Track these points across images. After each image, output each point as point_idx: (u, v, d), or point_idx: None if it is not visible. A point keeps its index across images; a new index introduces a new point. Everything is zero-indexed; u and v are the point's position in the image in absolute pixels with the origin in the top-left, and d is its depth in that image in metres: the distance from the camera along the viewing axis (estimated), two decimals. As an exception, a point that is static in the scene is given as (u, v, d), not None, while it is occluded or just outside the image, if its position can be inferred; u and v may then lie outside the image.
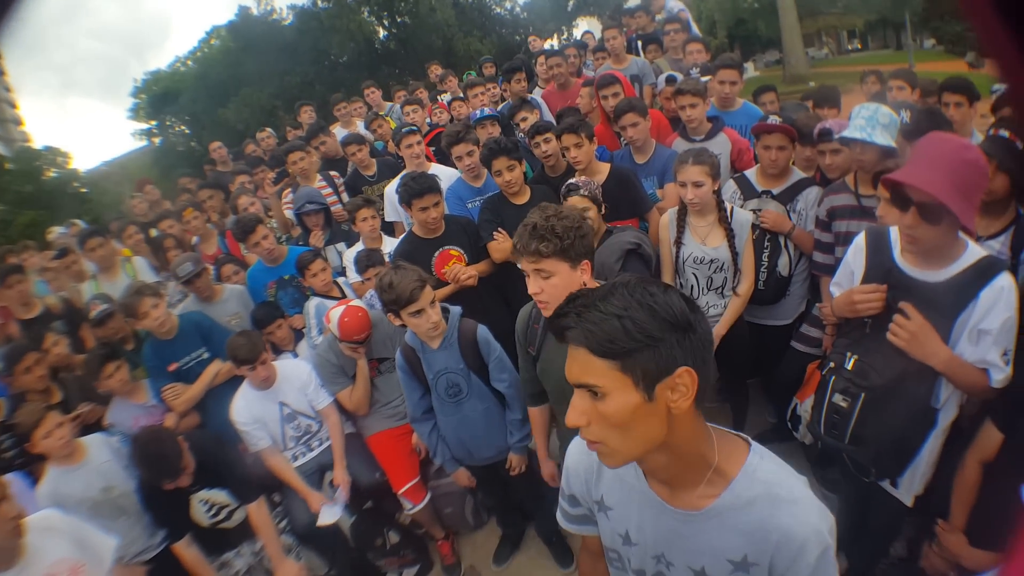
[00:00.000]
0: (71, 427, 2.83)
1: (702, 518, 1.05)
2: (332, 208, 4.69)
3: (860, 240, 2.11)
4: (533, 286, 1.82)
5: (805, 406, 2.82)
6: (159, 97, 27.93)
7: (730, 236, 2.86)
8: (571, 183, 2.84)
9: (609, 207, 2.99)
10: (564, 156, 3.56)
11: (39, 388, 3.26)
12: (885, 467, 2.06)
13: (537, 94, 5.78)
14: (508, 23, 27.51)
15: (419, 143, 4.46)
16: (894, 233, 1.99)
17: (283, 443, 3.24)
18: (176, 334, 3.44)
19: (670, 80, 4.48)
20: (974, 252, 1.82)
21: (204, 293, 3.80)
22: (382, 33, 27.05)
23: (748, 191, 3.16)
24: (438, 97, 7.09)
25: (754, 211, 3.00)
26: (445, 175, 4.13)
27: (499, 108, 5.72)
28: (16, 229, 20.13)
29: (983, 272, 1.78)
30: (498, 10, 27.99)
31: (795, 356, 3.06)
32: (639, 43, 6.19)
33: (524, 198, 3.51)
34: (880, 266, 1.99)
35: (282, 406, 3.22)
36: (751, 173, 3.22)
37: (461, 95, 6.36)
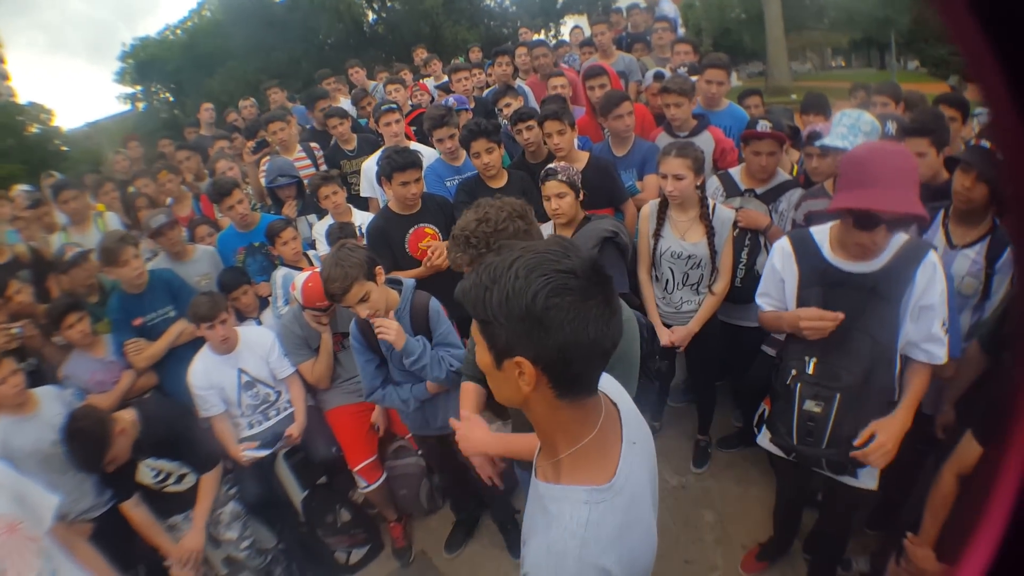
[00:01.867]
0: (24, 377, 2.79)
1: (535, 484, 1.10)
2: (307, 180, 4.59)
3: (785, 246, 2.13)
4: None
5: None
6: (146, 63, 27.41)
7: (710, 233, 2.84)
8: (549, 168, 2.79)
9: (586, 196, 2.94)
10: (545, 144, 3.54)
11: (3, 334, 3.17)
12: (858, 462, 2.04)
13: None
14: (497, 15, 27.45)
15: (398, 121, 4.45)
16: (817, 233, 2.07)
17: (239, 410, 3.21)
18: (145, 289, 3.40)
19: (658, 76, 4.46)
20: (896, 238, 1.92)
21: (174, 248, 3.76)
22: (371, 16, 26.85)
23: (731, 189, 3.14)
24: (422, 80, 7.00)
25: (735, 209, 2.97)
26: (425, 154, 4.08)
27: (484, 94, 5.70)
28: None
29: (913, 253, 1.90)
30: (487, 2, 27.93)
31: (765, 360, 3.03)
32: (627, 42, 6.21)
33: (501, 182, 3.47)
34: (814, 267, 2.03)
35: (241, 372, 3.19)
36: (735, 171, 3.21)
37: (446, 79, 6.34)
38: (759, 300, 2.24)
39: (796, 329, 1.99)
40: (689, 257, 2.89)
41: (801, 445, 2.05)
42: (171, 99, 27.60)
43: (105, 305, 3.50)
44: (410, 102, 5.82)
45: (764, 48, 22.11)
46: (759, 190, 3.06)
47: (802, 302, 2.04)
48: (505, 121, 4.36)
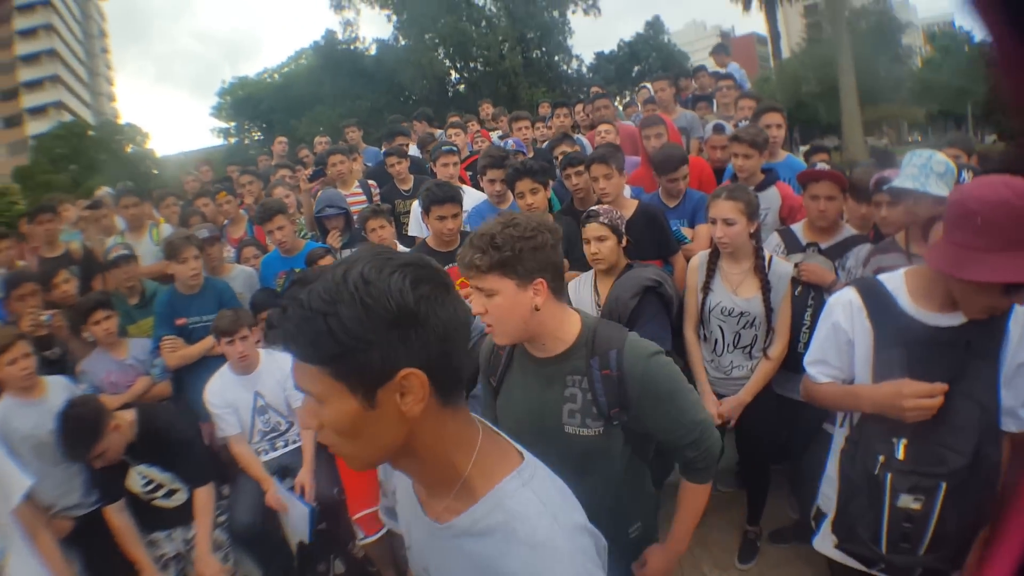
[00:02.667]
0: (37, 363, 2.84)
1: (443, 534, 0.90)
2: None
3: (851, 299, 1.70)
4: (476, 306, 1.52)
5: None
6: (242, 100, 30.11)
7: (765, 288, 2.54)
8: (591, 210, 2.63)
9: (633, 245, 2.76)
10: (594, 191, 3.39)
11: (30, 319, 3.27)
12: (960, 561, 1.60)
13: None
14: (573, 81, 28.40)
15: (455, 164, 4.46)
16: (889, 281, 1.69)
17: (250, 435, 3.12)
18: (196, 293, 3.48)
19: (717, 128, 4.28)
20: None
21: (212, 263, 3.83)
22: (454, 75, 28.31)
23: (793, 245, 2.85)
24: (486, 129, 7.12)
25: (796, 264, 2.67)
26: (473, 197, 4.08)
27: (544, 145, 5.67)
28: (82, 191, 21.78)
29: None
30: (566, 68, 28.96)
31: (827, 441, 2.64)
32: (692, 101, 6.18)
33: None
34: (893, 324, 1.63)
35: (257, 396, 3.11)
36: (798, 226, 2.92)
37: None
38: (812, 370, 1.81)
39: (892, 410, 1.56)
40: (741, 314, 2.59)
41: (893, 553, 1.60)
42: (260, 137, 29.78)
43: (144, 308, 3.61)
44: (469, 147, 5.87)
45: (839, 121, 21.60)
46: (823, 245, 2.76)
47: (881, 369, 1.63)
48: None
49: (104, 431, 2.51)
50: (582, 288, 2.77)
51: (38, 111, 48.13)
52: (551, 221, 1.65)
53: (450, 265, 3.25)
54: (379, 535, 2.95)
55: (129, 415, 2.70)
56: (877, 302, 1.68)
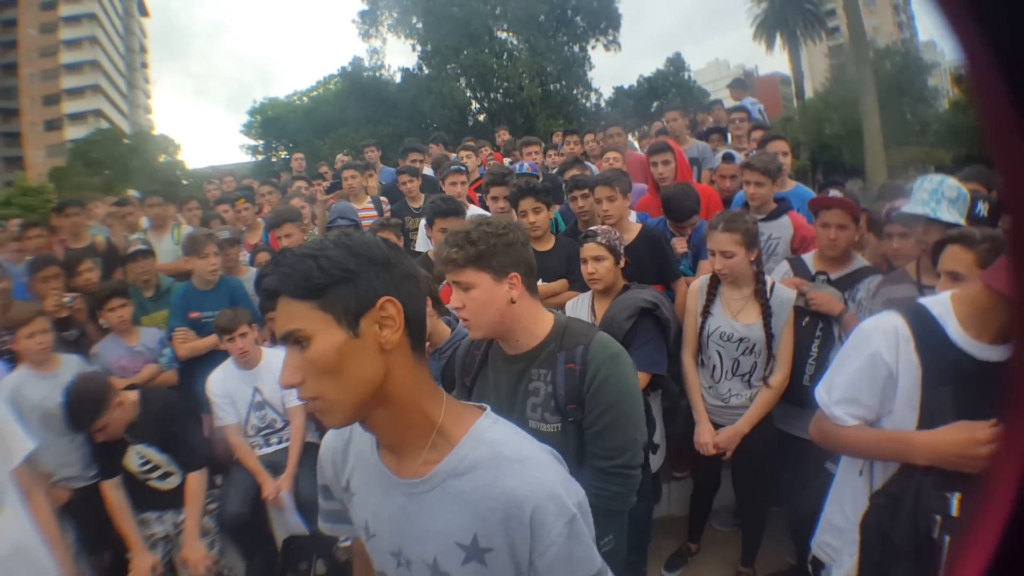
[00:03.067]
0: (54, 339, 3.00)
1: (424, 487, 0.94)
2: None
3: (896, 326, 1.47)
4: (455, 300, 1.59)
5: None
6: (271, 120, 31.20)
7: (766, 313, 2.47)
8: (590, 230, 2.63)
9: (634, 269, 2.75)
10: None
11: (53, 299, 3.47)
12: None
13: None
14: (591, 114, 28.72)
15: (464, 183, 4.52)
16: (935, 306, 1.48)
17: (244, 428, 3.18)
18: (211, 289, 3.66)
19: (727, 157, 4.25)
20: None
21: (229, 263, 3.99)
22: (475, 105, 28.86)
23: (802, 274, 2.78)
24: (499, 152, 7.22)
25: (802, 293, 2.59)
26: (478, 215, 4.03)
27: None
28: (113, 194, 22.63)
29: None
30: (584, 101, 29.36)
31: (827, 482, 2.52)
32: (705, 133, 6.21)
33: (547, 245, 3.30)
34: (942, 357, 1.42)
35: (255, 391, 3.19)
36: (808, 256, 2.86)
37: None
38: (839, 410, 1.54)
39: (960, 460, 1.33)
40: (741, 340, 2.52)
41: None
42: (286, 156, 30.68)
43: (157, 301, 3.81)
44: (481, 171, 5.92)
45: (863, 164, 21.38)
46: (833, 275, 2.69)
47: (932, 410, 1.42)
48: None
49: (108, 406, 2.64)
50: (579, 308, 2.74)
51: (78, 117, 50.36)
52: (522, 223, 1.67)
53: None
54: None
55: (133, 395, 2.82)
56: (925, 331, 1.45)
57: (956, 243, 1.81)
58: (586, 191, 3.48)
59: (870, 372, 1.49)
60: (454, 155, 7.66)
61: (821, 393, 1.60)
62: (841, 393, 1.54)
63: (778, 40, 35.18)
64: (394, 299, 0.88)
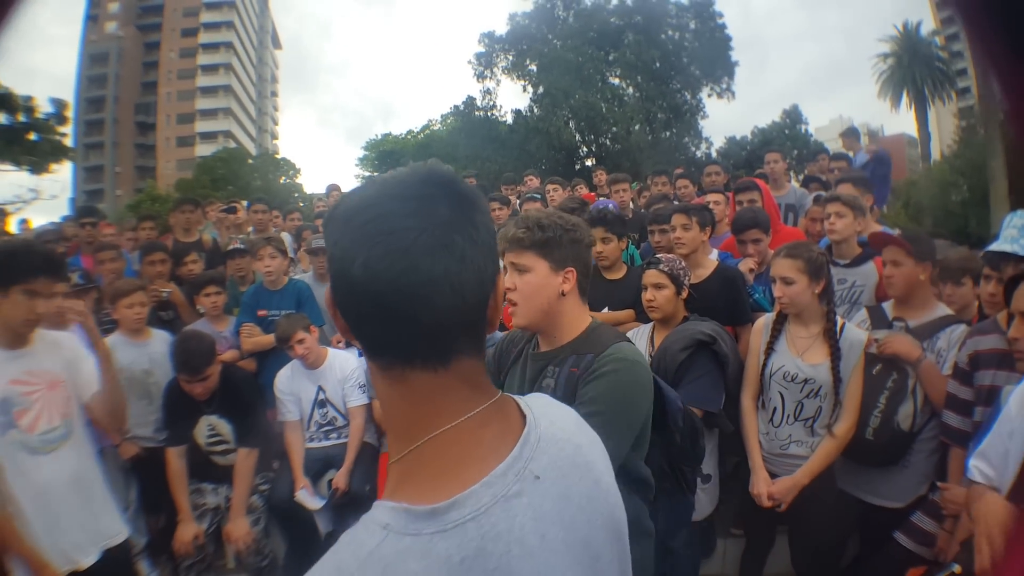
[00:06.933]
0: (149, 313, 3.31)
1: None
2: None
3: None
4: (508, 281, 1.59)
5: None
6: (386, 154, 33.18)
7: (835, 354, 2.29)
8: (654, 257, 2.60)
9: (705, 307, 2.68)
10: None
11: (155, 288, 3.83)
12: None
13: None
14: (701, 163, 28.05)
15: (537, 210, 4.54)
16: None
17: (308, 423, 3.36)
18: (279, 289, 3.84)
19: (817, 199, 4.03)
20: None
21: (321, 270, 4.23)
22: (583, 149, 29.11)
23: (879, 321, 2.58)
24: (590, 192, 7.23)
25: (875, 339, 2.40)
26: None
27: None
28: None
29: None
30: (694, 150, 28.82)
31: (896, 553, 2.26)
32: (807, 181, 5.89)
33: (618, 274, 3.29)
34: None
35: (319, 390, 3.35)
36: (888, 304, 2.65)
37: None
38: (972, 464, 1.49)
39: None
40: (806, 381, 2.34)
41: None
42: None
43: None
44: (568, 205, 6.00)
45: (989, 235, 19.28)
46: (911, 323, 2.47)
47: None
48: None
49: (216, 357, 2.93)
50: (640, 338, 2.69)
51: (209, 136, 56.85)
52: (590, 230, 1.72)
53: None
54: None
55: (217, 367, 3.03)
56: None
57: None
58: (664, 226, 3.40)
59: (1000, 431, 1.42)
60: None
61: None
62: (977, 449, 1.49)
63: (904, 98, 33.00)
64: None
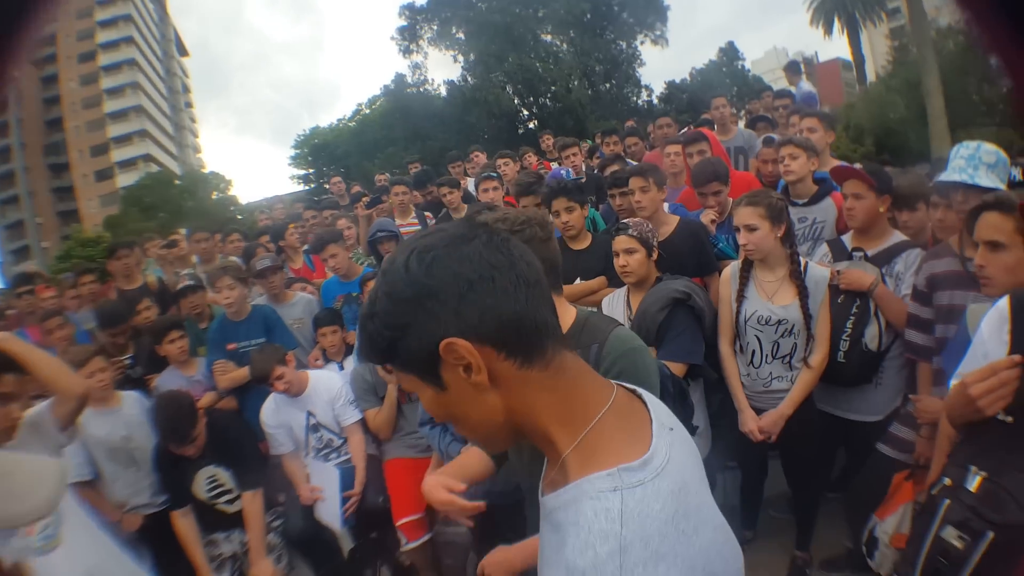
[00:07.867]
0: (112, 375, 3.12)
1: (542, 509, 0.83)
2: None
3: (1002, 307, 1.52)
4: None
5: (886, 526, 2.24)
6: (319, 147, 31.88)
7: (802, 294, 2.44)
8: (621, 223, 2.64)
9: (672, 263, 2.75)
10: None
11: (118, 364, 3.58)
12: None
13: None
14: (644, 112, 28.23)
15: (496, 189, 4.51)
16: None
17: (306, 450, 3.28)
18: (244, 319, 3.67)
19: (767, 142, 4.16)
20: None
21: (274, 290, 4.02)
22: (524, 112, 28.71)
23: (839, 253, 2.73)
24: (548, 161, 7.21)
25: (837, 272, 2.55)
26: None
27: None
28: (169, 236, 24.06)
29: None
30: (636, 99, 28.85)
31: (880, 462, 2.46)
32: (751, 121, 6.03)
33: (583, 244, 3.31)
34: None
35: (309, 415, 3.25)
36: (847, 235, 2.80)
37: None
38: (952, 385, 1.62)
39: (969, 404, 1.39)
40: (779, 323, 2.49)
41: None
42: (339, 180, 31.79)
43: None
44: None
45: (930, 148, 20.22)
46: (870, 251, 2.62)
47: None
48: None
49: (199, 418, 2.83)
50: (615, 303, 2.77)
51: (128, 164, 51.41)
52: (544, 217, 1.69)
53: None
54: (421, 541, 3.03)
55: (202, 421, 2.94)
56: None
57: (993, 209, 1.76)
58: (624, 188, 3.45)
59: (975, 352, 1.57)
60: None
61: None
62: (956, 369, 1.62)
63: (836, 24, 33.66)
64: (456, 340, 0.70)
